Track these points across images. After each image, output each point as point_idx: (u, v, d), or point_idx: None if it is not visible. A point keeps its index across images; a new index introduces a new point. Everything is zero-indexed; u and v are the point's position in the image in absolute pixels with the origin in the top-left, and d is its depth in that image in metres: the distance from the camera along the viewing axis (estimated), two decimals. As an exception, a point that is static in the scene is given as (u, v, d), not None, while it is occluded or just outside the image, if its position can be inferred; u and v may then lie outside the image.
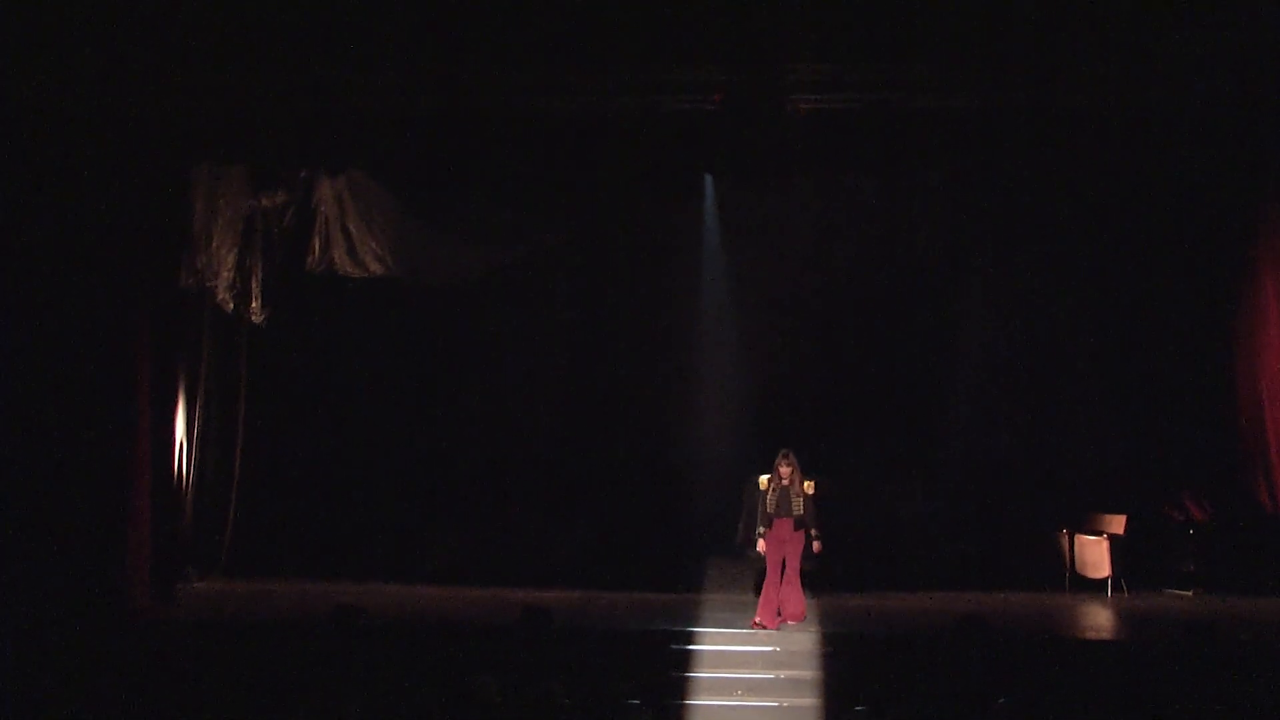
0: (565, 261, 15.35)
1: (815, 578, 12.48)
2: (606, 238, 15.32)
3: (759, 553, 10.81)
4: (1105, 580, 13.45)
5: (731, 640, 10.74)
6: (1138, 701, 8.70)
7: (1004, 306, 15.09)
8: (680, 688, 10.11)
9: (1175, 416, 14.19)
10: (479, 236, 14.41)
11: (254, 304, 13.98)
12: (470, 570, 13.82)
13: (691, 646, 10.60)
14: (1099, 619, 12.18)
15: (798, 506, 10.70)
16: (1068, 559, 13.90)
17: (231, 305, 13.77)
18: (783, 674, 10.23)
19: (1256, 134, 11.86)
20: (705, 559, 13.63)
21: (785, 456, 10.84)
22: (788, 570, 10.77)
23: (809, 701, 9.95)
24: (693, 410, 15.15)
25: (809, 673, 10.31)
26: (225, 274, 13.43)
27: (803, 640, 10.60)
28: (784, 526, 10.65)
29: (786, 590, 10.84)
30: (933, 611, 11.88)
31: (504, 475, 15.14)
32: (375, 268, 14.04)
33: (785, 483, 10.61)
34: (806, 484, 10.73)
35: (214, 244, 13.17)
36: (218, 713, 8.10)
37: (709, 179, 15.01)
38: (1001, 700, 8.51)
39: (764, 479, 10.86)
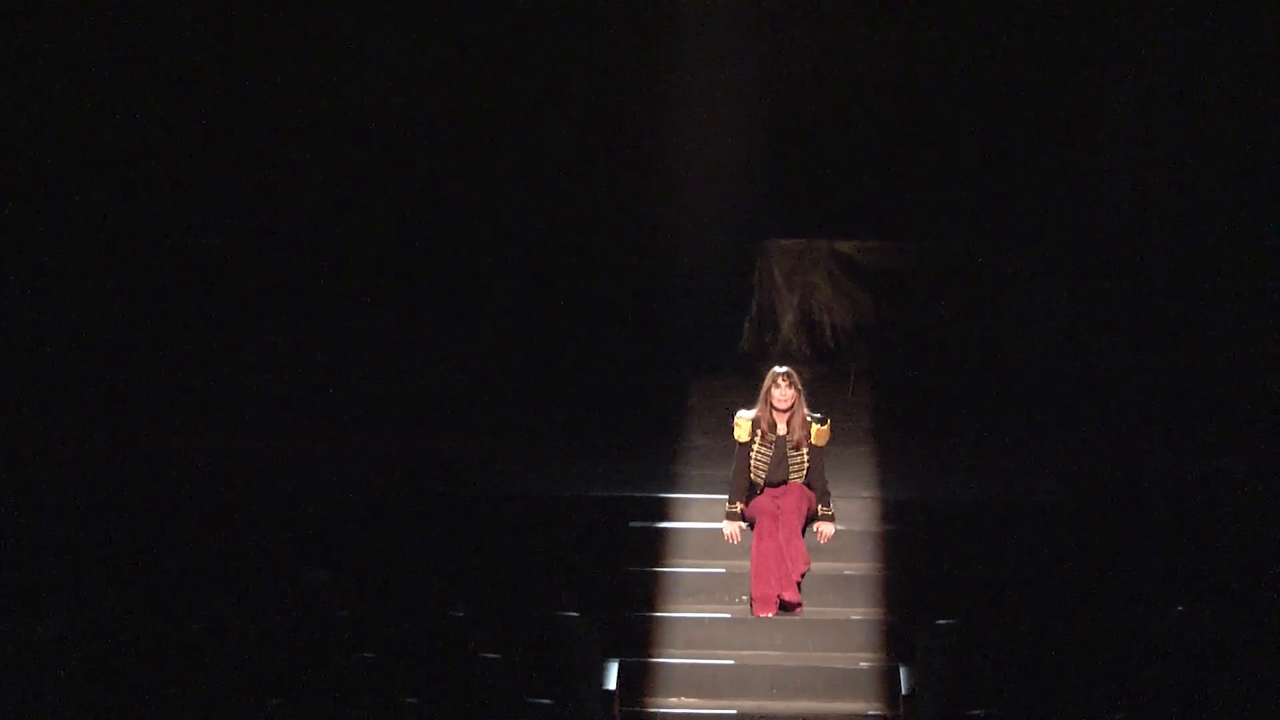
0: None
1: (871, 425, 12.67)
2: None
3: (727, 540, 10.18)
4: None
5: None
6: None
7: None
8: (643, 589, 10.09)
9: None
10: None
11: None
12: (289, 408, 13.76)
13: (661, 524, 10.65)
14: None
15: (798, 466, 10.08)
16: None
17: None
18: (815, 567, 10.03)
19: None
20: (687, 381, 13.74)
21: (784, 378, 10.07)
22: (785, 527, 10.01)
23: (859, 613, 9.94)
24: (668, 160, 15.06)
25: (858, 566, 10.29)
26: None
27: (847, 513, 10.47)
28: (776, 491, 10.13)
29: (790, 548, 10.05)
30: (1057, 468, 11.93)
31: (343, 250, 14.94)
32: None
33: (783, 431, 10.02)
34: (817, 430, 10.07)
35: None
36: None
37: None
38: (1180, 609, 8.66)
39: (744, 420, 10.09)
